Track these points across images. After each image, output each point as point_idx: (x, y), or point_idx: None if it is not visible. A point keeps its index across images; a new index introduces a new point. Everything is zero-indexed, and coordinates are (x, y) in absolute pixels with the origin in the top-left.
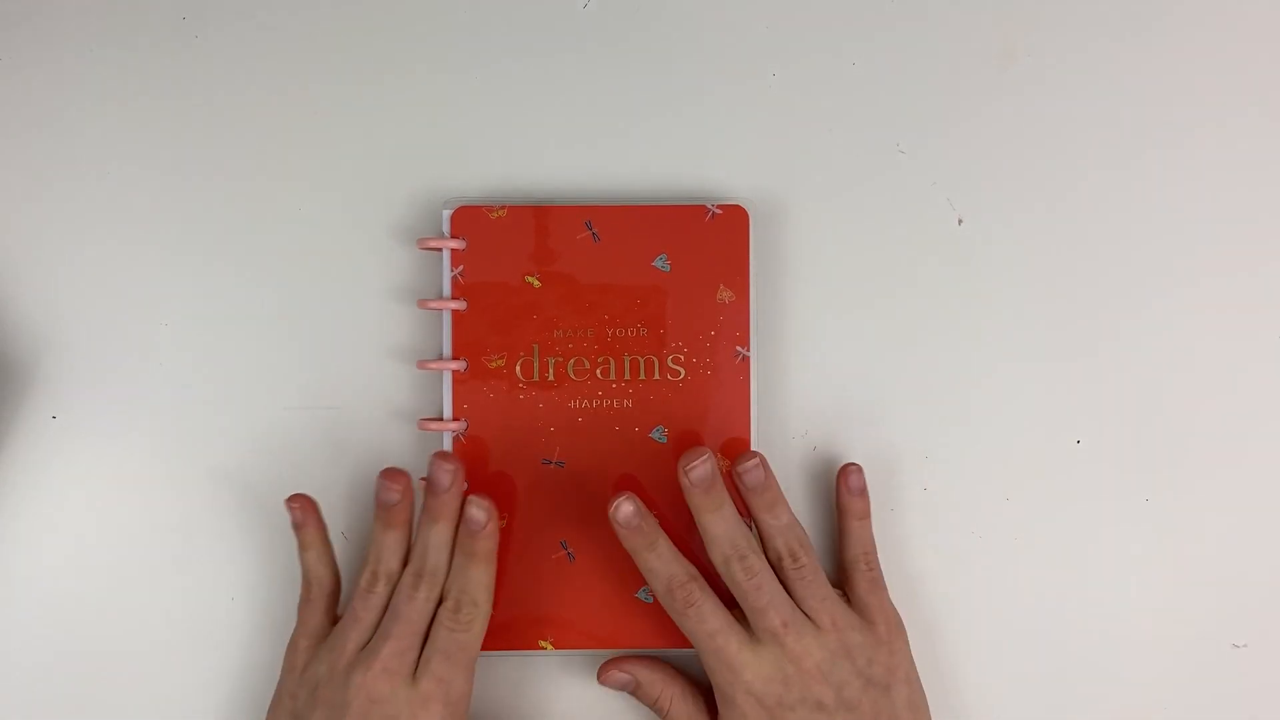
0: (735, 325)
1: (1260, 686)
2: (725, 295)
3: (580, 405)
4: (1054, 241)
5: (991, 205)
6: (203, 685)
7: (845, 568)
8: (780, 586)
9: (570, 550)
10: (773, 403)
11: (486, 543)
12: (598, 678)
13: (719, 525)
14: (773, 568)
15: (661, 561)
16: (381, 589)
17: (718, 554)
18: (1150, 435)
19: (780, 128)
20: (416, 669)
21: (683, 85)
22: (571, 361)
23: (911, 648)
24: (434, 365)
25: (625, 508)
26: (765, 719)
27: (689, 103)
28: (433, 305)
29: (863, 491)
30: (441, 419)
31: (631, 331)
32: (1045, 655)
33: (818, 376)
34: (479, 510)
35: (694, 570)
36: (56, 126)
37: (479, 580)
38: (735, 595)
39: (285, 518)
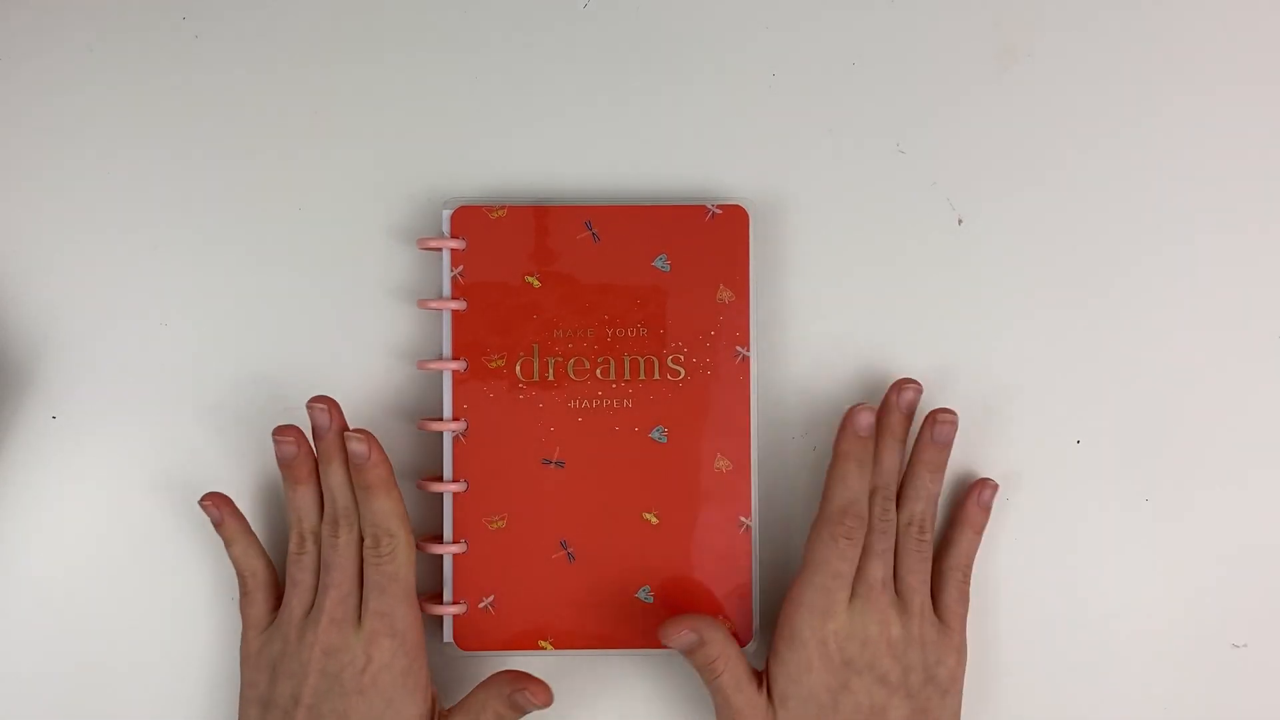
0: (735, 325)
1: (1260, 686)
2: (725, 295)
3: (580, 405)
4: (1054, 241)
5: (991, 205)
6: (202, 685)
7: (941, 572)
8: (892, 544)
9: (570, 550)
10: (773, 403)
11: (376, 471)
12: (661, 635)
13: (890, 459)
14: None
15: (856, 478)
16: (310, 547)
17: (877, 479)
18: (1150, 435)
19: (780, 128)
20: (360, 609)
21: (683, 85)
22: (571, 361)
23: None
24: (434, 365)
25: (864, 417)
26: (829, 673)
27: (689, 103)
28: (433, 305)
29: (988, 507)
30: (441, 419)
31: (631, 331)
32: (1045, 655)
33: (818, 376)
34: (358, 444)
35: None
36: (57, 126)
37: (385, 509)
38: (869, 546)
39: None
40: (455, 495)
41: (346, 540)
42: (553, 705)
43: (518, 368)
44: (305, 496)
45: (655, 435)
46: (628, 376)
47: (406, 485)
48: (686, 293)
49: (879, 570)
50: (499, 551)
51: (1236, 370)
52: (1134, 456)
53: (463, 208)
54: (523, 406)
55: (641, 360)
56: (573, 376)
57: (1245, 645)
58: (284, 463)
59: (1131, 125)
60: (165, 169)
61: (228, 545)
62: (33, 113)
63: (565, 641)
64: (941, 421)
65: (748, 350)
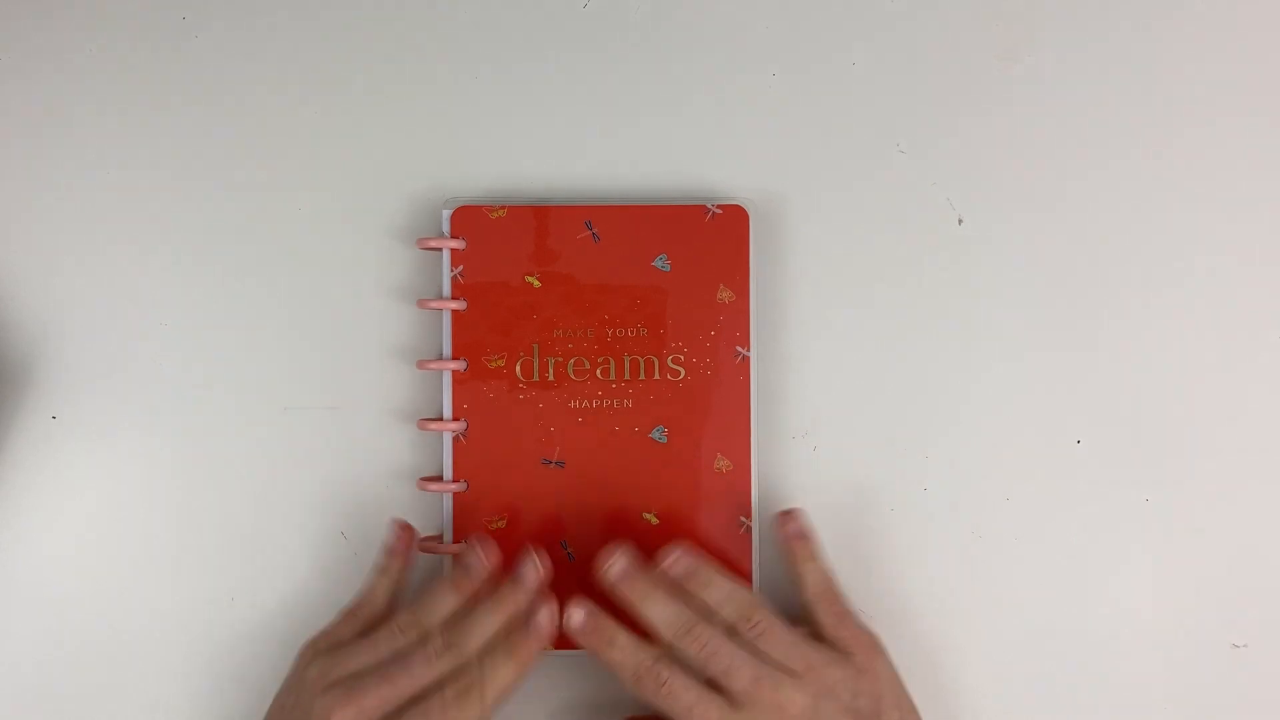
0: (735, 325)
1: (1260, 686)
2: (725, 295)
3: (580, 405)
4: (1054, 241)
5: (991, 205)
6: (202, 685)
7: (807, 608)
8: (738, 647)
9: (570, 550)
10: (773, 403)
11: (535, 647)
12: (779, 523)
13: (653, 610)
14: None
15: (624, 653)
16: (413, 637)
17: (664, 638)
18: (1150, 435)
19: (780, 128)
20: None
21: (683, 85)
22: (571, 361)
23: (911, 649)
24: (434, 365)
25: (577, 616)
26: None
27: (689, 103)
28: (433, 305)
29: (801, 534)
30: (441, 419)
31: (631, 331)
32: (1045, 655)
33: (818, 376)
34: (548, 619)
35: (657, 650)
36: (56, 126)
37: (502, 679)
38: (699, 671)
39: (285, 518)
40: (455, 495)
41: (441, 668)
42: (552, 703)
43: (518, 368)
44: (452, 607)
45: (655, 435)
46: (628, 376)
47: (407, 485)
48: (686, 293)
49: (743, 675)
50: (499, 552)
51: (1237, 370)
52: (1134, 456)
53: (463, 208)
54: (523, 406)
55: (641, 360)
56: (573, 376)
57: (1245, 645)
58: (463, 572)
59: (1131, 125)
60: (165, 169)
61: (379, 572)
62: (33, 113)
63: (565, 641)
64: (669, 566)
65: (748, 350)
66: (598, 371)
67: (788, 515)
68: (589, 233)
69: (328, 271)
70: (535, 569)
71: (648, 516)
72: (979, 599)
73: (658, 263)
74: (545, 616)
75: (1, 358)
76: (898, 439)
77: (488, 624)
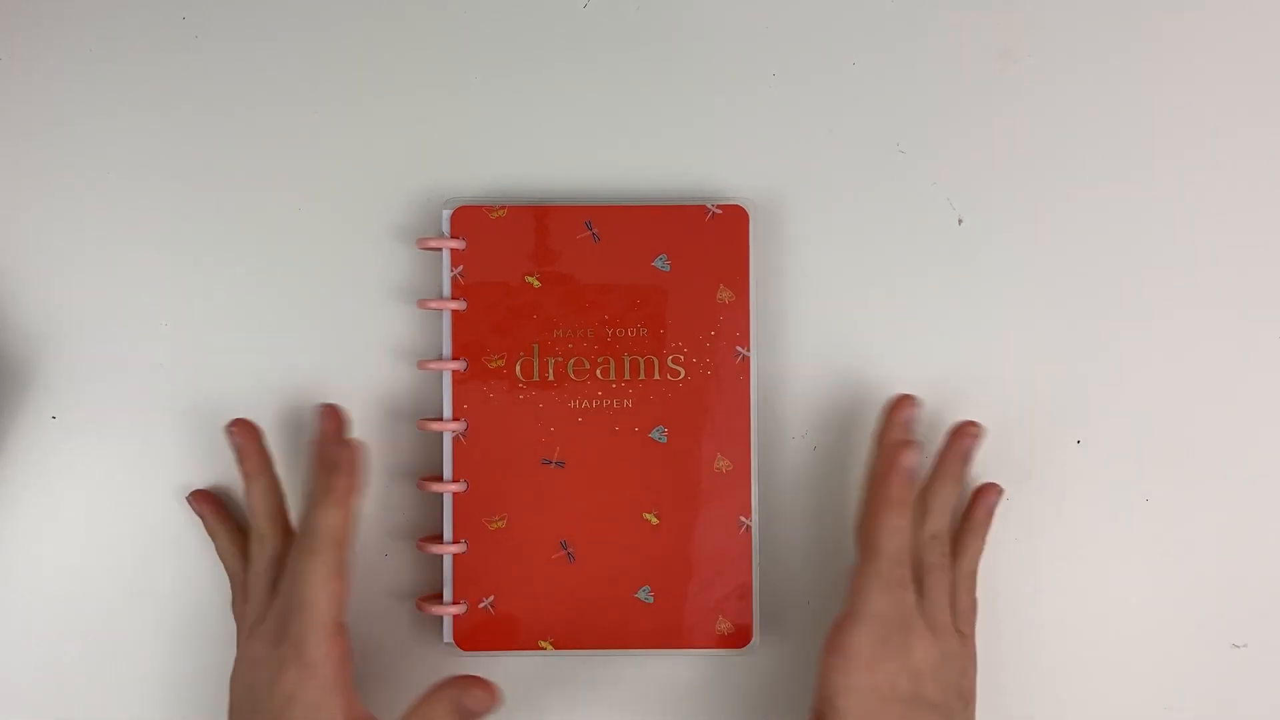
0: (735, 325)
1: (1260, 686)
2: (725, 295)
3: (580, 405)
4: (1054, 241)
5: (991, 205)
6: (202, 684)
7: (955, 581)
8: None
9: (570, 550)
10: (773, 403)
11: (339, 476)
12: (960, 432)
13: (948, 503)
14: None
15: (906, 525)
16: (256, 551)
17: (935, 523)
18: (1150, 435)
19: (780, 128)
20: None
21: (683, 85)
22: (571, 361)
23: None
24: (434, 365)
25: (910, 460)
26: (889, 715)
27: (689, 103)
28: (433, 305)
29: (993, 513)
30: (441, 419)
31: (631, 331)
32: (1045, 655)
33: (818, 376)
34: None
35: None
36: (56, 126)
37: (331, 521)
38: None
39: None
40: (455, 495)
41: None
42: (552, 703)
43: (518, 368)
44: (259, 495)
45: (655, 435)
46: (628, 376)
47: (407, 485)
48: (686, 293)
49: (919, 603)
50: (499, 552)
51: (1237, 370)
52: (1134, 456)
53: (463, 208)
54: (523, 406)
55: (641, 360)
56: (573, 376)
57: (1245, 645)
58: (245, 451)
59: (1131, 125)
60: (165, 169)
61: (212, 538)
62: (33, 113)
63: (565, 642)
64: (968, 435)
65: (748, 350)
66: (598, 371)
67: (992, 488)
68: (589, 233)
69: (328, 272)
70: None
71: (648, 516)
72: (979, 599)
73: (658, 263)
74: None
75: (1, 358)
76: None
77: (270, 489)
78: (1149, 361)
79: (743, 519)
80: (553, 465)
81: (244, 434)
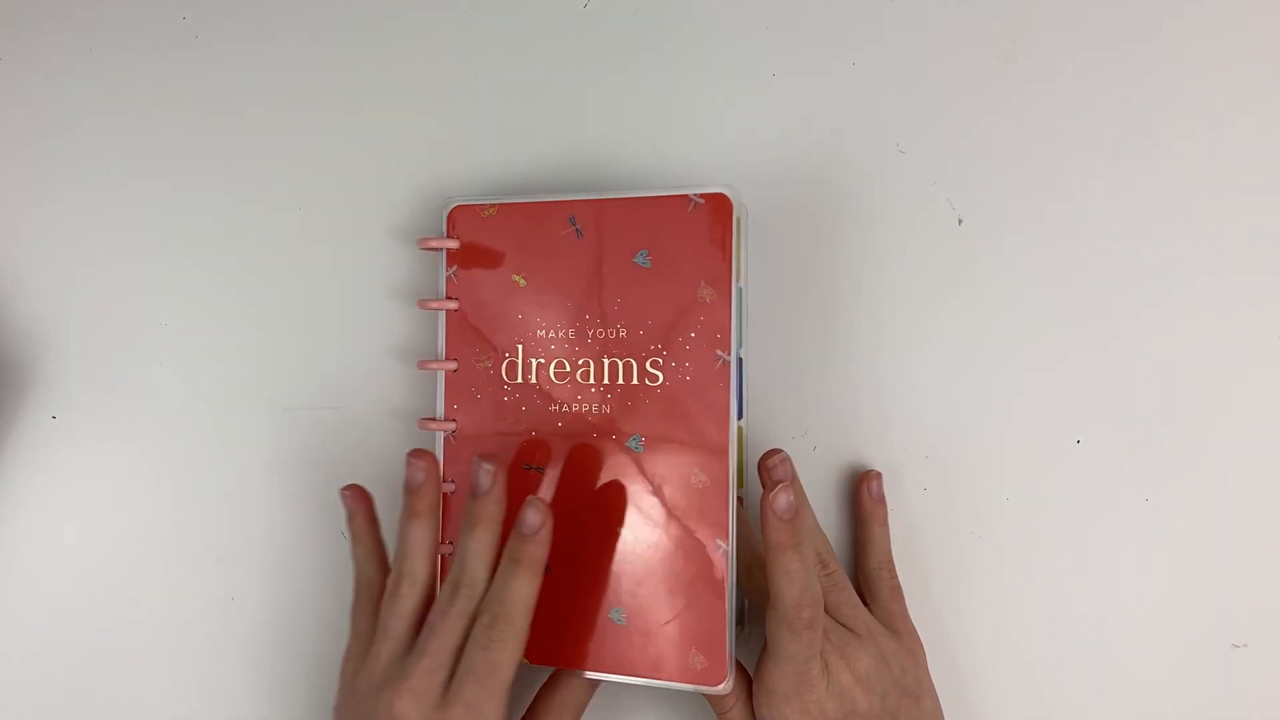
0: (716, 327)
1: (1260, 686)
2: (706, 294)
3: (560, 410)
4: (1054, 241)
5: (991, 205)
6: (202, 684)
7: (868, 576)
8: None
9: (548, 563)
10: (772, 403)
11: (537, 550)
12: (862, 482)
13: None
14: None
15: (799, 565)
16: (406, 591)
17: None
18: (1150, 435)
19: (780, 128)
20: (449, 689)
21: (683, 85)
22: (554, 363)
23: None
24: (433, 365)
25: (782, 499)
26: None
27: (689, 103)
28: (431, 305)
29: (883, 498)
30: (437, 419)
31: (611, 333)
32: (1045, 655)
33: (817, 376)
34: (535, 513)
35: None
36: (56, 127)
37: (519, 594)
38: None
39: (284, 517)
40: (445, 496)
41: (461, 611)
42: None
43: (503, 369)
44: (421, 537)
45: (632, 445)
46: (606, 380)
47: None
48: (665, 290)
49: (836, 629)
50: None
51: (1237, 369)
52: (1134, 456)
53: (458, 207)
54: (506, 409)
55: (620, 363)
56: (554, 379)
57: (1245, 645)
58: (410, 492)
59: (1131, 125)
60: (165, 169)
61: (353, 543)
62: (33, 113)
63: (539, 656)
64: (773, 463)
65: (728, 354)
66: (578, 375)
67: (873, 475)
68: (573, 228)
69: (328, 272)
70: (487, 473)
71: (624, 532)
72: (979, 599)
73: (638, 259)
74: (531, 510)
75: (1, 358)
76: (897, 439)
77: (476, 547)
78: (1149, 361)
79: (719, 543)
80: (532, 470)
81: (424, 467)
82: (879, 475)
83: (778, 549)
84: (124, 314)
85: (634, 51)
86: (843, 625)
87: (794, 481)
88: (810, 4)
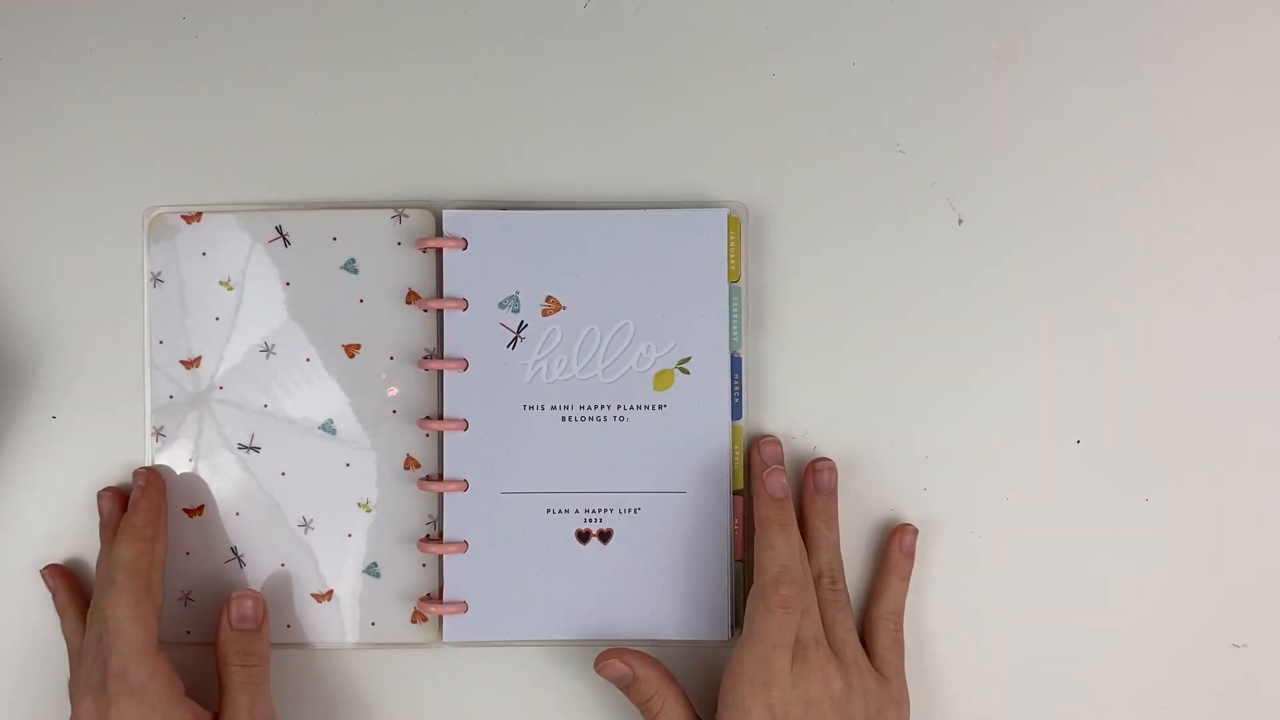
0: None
1: (1260, 686)
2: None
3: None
4: (1054, 241)
5: (991, 205)
6: (201, 684)
7: (874, 622)
8: (816, 601)
9: None
10: (772, 403)
11: (138, 513)
12: (595, 666)
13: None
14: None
15: (783, 543)
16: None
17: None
18: (1150, 435)
19: (779, 128)
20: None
21: (682, 86)
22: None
23: (910, 648)
24: (433, 365)
25: (775, 479)
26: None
27: (689, 103)
28: (430, 306)
29: (912, 554)
30: (442, 419)
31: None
32: (1045, 655)
33: (817, 376)
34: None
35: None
36: (56, 126)
37: (122, 555)
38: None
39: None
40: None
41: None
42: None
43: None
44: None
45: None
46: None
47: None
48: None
49: (809, 628)
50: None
51: (1237, 370)
52: (1134, 456)
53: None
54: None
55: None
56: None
57: (1245, 645)
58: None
59: (1131, 124)
60: (165, 169)
61: (61, 618)
62: (33, 113)
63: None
64: (821, 470)
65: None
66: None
67: (905, 529)
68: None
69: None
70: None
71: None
72: (979, 599)
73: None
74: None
75: (1, 358)
76: (898, 439)
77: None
78: (1149, 362)
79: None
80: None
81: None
82: (915, 531)
83: (764, 524)
84: (124, 314)
85: (633, 52)
86: (831, 646)
87: (832, 493)
88: (810, 4)
